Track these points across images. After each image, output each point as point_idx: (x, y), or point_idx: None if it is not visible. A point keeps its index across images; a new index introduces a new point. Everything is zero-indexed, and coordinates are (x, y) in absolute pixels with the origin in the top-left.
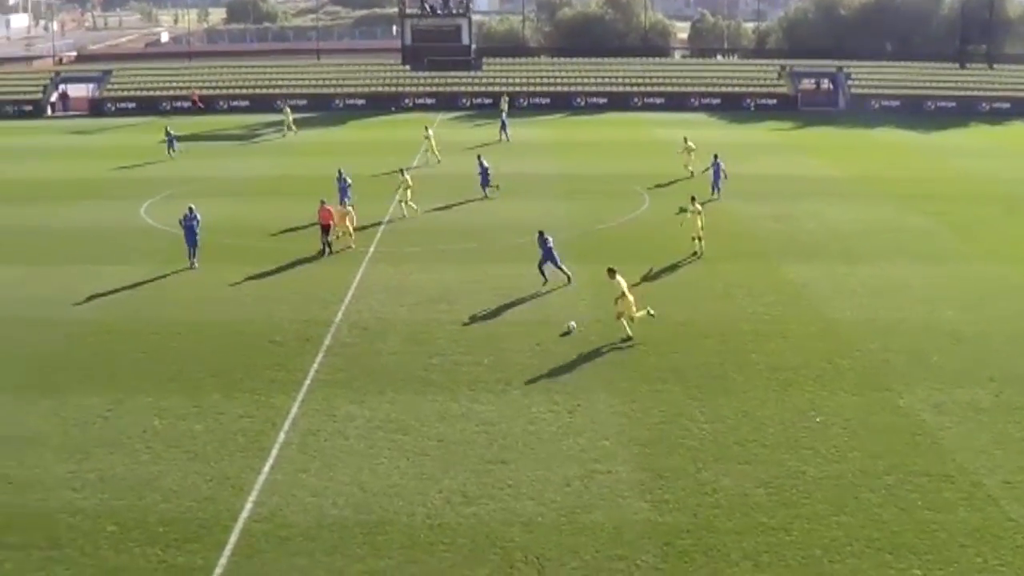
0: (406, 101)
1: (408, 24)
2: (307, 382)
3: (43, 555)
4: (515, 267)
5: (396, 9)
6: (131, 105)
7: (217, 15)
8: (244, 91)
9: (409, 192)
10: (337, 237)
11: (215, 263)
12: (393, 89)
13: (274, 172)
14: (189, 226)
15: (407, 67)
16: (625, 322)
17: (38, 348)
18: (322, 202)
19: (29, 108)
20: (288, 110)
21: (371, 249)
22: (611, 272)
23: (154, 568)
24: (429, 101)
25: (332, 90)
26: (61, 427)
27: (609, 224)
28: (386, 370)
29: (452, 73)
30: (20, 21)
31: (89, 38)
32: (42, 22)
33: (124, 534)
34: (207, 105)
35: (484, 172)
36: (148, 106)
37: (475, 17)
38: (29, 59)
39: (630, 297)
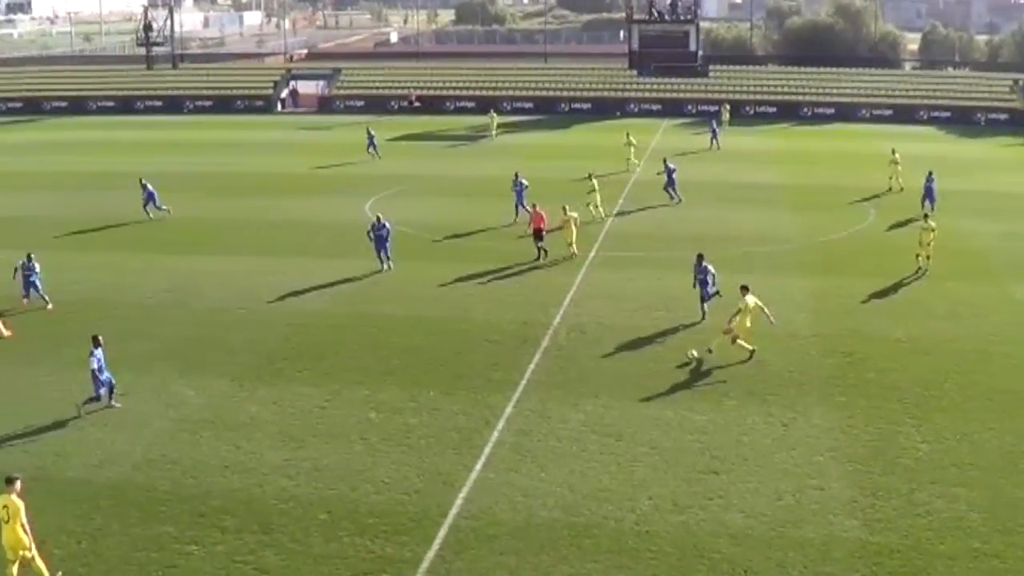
0: (632, 106)
1: (636, 29)
2: (523, 383)
3: (255, 539)
4: (739, 277)
5: (624, 14)
6: (359, 103)
7: (446, 16)
8: (470, 92)
9: (597, 196)
10: (569, 244)
11: (434, 260)
12: (619, 94)
13: (494, 173)
14: (379, 235)
15: (633, 72)
16: (741, 341)
17: (261, 337)
18: (534, 206)
19: (260, 104)
20: (494, 114)
21: (592, 253)
22: (744, 289)
23: (362, 558)
24: (655, 107)
25: (558, 94)
26: (279, 415)
27: (832, 237)
28: (602, 374)
29: (678, 79)
30: (253, 18)
31: (320, 36)
32: (274, 20)
33: (335, 523)
34: (426, 105)
35: (670, 175)
36: (376, 104)
37: (703, 24)
38: (261, 56)
39: (747, 322)
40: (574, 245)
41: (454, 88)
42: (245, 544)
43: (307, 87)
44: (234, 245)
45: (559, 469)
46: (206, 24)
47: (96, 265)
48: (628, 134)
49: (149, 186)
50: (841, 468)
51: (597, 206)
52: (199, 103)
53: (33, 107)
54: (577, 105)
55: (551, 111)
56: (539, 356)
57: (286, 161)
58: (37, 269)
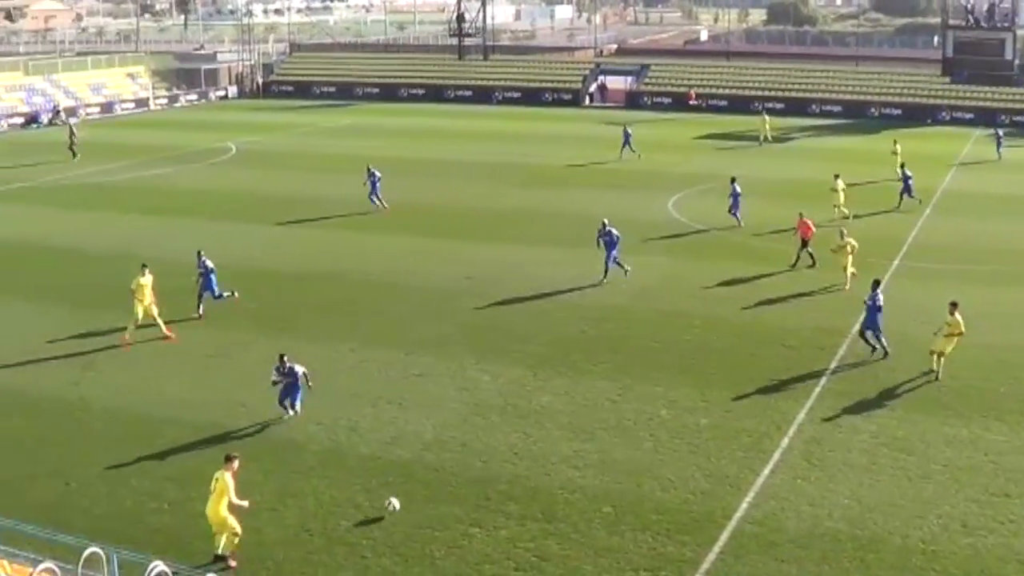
0: (943, 114)
1: (950, 35)
2: (816, 390)
3: (538, 527)
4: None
5: (939, 19)
6: (667, 100)
7: (757, 16)
8: (779, 93)
9: (842, 195)
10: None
11: (733, 260)
12: (930, 101)
13: (798, 175)
14: (606, 241)
15: (946, 79)
16: (935, 357)
17: (557, 328)
18: (800, 215)
19: (568, 97)
20: (766, 117)
21: (895, 263)
22: (953, 306)
23: (643, 554)
24: (967, 116)
25: (868, 98)
26: (571, 406)
27: None
28: (897, 387)
29: (992, 88)
30: (564, 12)
31: (630, 32)
32: (585, 14)
33: (618, 517)
34: (732, 104)
35: (906, 181)
36: (682, 102)
37: (1020, 32)
38: (571, 50)
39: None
40: (849, 271)
41: (762, 88)
42: (528, 531)
43: (615, 82)
44: (534, 235)
45: (847, 480)
46: (517, 17)
47: (399, 248)
48: (895, 141)
49: (376, 173)
50: None
51: (840, 206)
52: (508, 94)
53: (346, 92)
54: (887, 111)
55: (860, 115)
56: (835, 364)
57: (590, 155)
58: (211, 265)
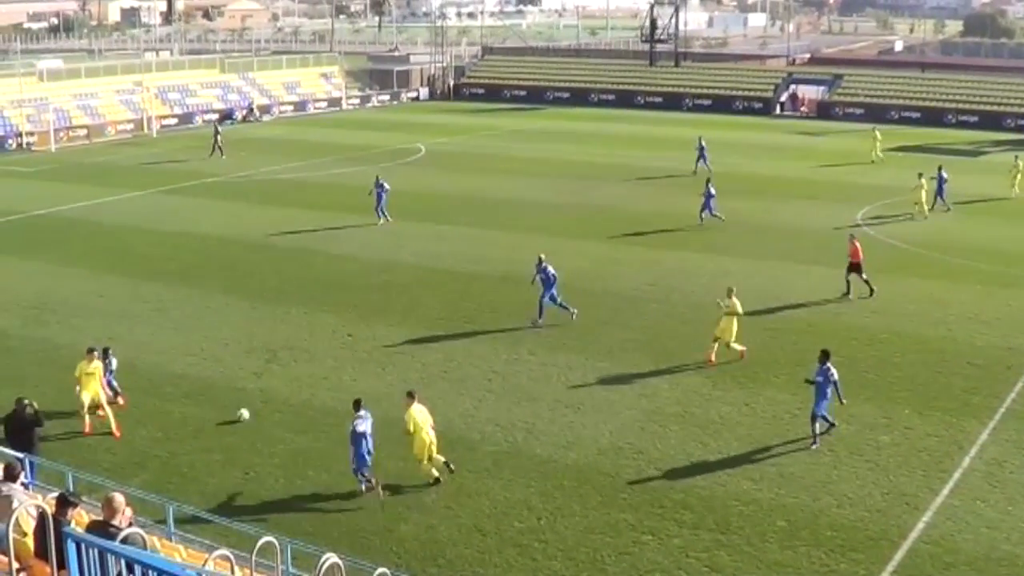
0: None
1: None
2: (1001, 410)
3: (711, 537)
4: None
5: None
6: (858, 111)
7: (954, 27)
8: (973, 106)
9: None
10: None
11: (918, 276)
12: None
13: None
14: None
15: None
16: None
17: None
18: (851, 237)
19: (759, 105)
20: (877, 134)
21: None
22: (729, 291)
23: (816, 570)
24: None
25: None
26: (750, 418)
27: None
28: None
29: None
30: (757, 20)
31: (823, 41)
32: (778, 22)
33: (792, 532)
34: (924, 116)
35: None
36: (875, 113)
37: None
38: (763, 58)
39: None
40: None
41: (956, 100)
42: (700, 540)
43: (808, 91)
44: (718, 244)
45: None
46: (710, 24)
47: (582, 253)
48: (1017, 157)
49: (385, 185)
50: None
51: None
52: (698, 101)
53: (536, 96)
54: None
55: None
56: (1021, 384)
57: (780, 164)
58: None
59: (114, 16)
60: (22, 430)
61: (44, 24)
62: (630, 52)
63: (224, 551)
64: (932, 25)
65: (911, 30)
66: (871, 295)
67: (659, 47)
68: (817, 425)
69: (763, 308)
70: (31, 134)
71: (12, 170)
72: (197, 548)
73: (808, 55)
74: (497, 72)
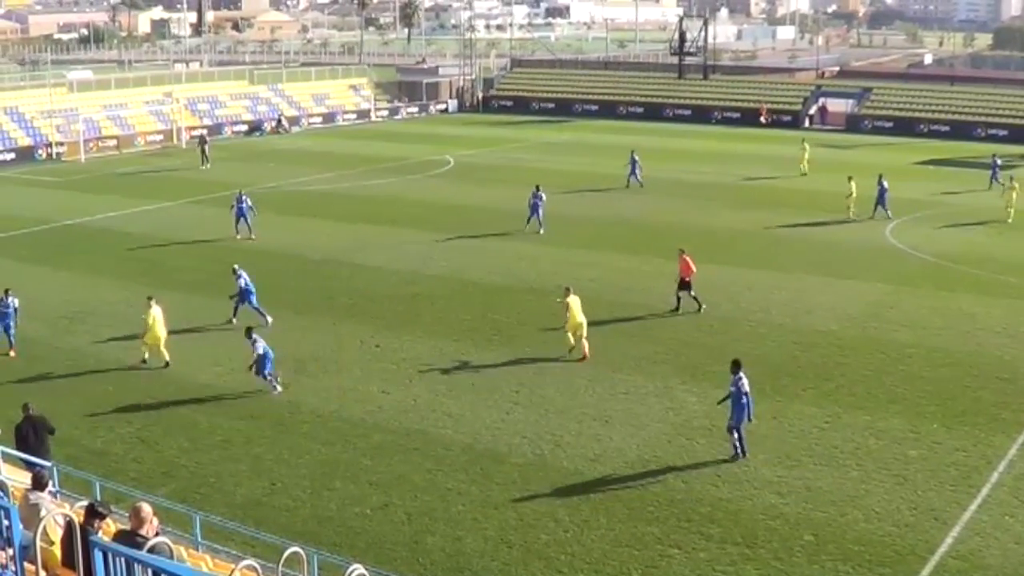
0: None
1: None
2: None
3: (737, 551)
4: None
5: None
6: (888, 124)
7: (983, 40)
8: (1003, 120)
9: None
10: None
11: (952, 290)
12: None
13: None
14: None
15: None
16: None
17: (767, 352)
18: (681, 252)
19: (787, 118)
20: (806, 146)
21: None
22: (567, 290)
23: None
24: None
25: None
26: (777, 431)
27: None
28: None
29: None
30: (786, 33)
31: (852, 54)
32: (807, 35)
33: (819, 546)
34: (953, 130)
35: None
36: (904, 126)
37: None
38: (791, 71)
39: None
40: None
41: (985, 114)
42: (727, 554)
43: (836, 104)
44: (744, 257)
45: None
46: (739, 36)
47: (610, 265)
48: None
49: (247, 200)
50: None
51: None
52: (727, 114)
53: (564, 108)
54: None
55: None
56: None
57: (808, 177)
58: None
59: (144, 28)
60: (35, 436)
61: (74, 35)
62: (659, 65)
63: (251, 561)
64: (961, 38)
65: (940, 43)
66: (698, 310)
67: (688, 60)
68: (735, 435)
69: (791, 321)
70: (61, 144)
71: (42, 180)
72: (224, 558)
73: (837, 68)
74: (525, 84)
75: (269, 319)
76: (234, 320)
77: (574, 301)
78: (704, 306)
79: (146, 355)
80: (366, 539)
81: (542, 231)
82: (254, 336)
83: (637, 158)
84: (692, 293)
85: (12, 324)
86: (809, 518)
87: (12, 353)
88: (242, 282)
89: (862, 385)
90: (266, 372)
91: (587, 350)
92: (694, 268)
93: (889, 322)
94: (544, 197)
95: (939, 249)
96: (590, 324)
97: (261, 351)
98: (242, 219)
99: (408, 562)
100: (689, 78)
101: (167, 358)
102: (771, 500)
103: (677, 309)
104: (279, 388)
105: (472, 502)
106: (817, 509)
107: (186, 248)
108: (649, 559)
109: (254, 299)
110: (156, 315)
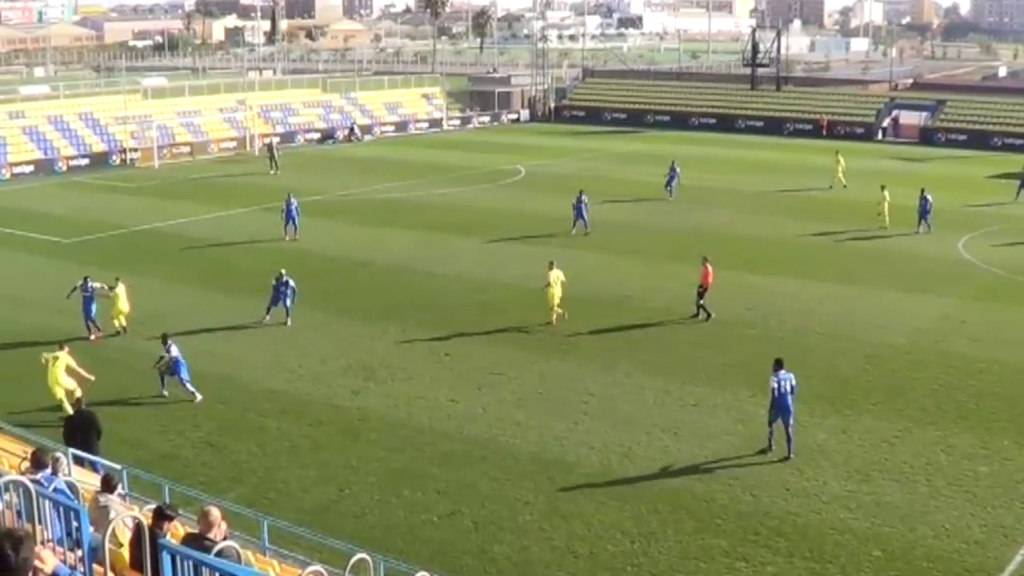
0: None
1: None
2: None
3: (804, 565)
4: None
5: None
6: (961, 137)
7: None
8: None
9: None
10: None
11: (1021, 307)
12: None
13: None
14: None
15: None
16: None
17: (838, 365)
18: (704, 259)
19: (860, 131)
20: (840, 158)
21: None
22: (551, 264)
23: None
24: None
25: None
26: (847, 445)
27: None
28: None
29: None
30: (859, 45)
31: (926, 67)
32: (881, 47)
33: (888, 562)
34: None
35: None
36: (978, 139)
37: None
38: (865, 83)
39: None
40: None
41: None
42: (794, 568)
43: (909, 117)
44: (815, 269)
45: None
46: (812, 48)
47: (679, 276)
48: None
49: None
50: None
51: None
52: (799, 126)
53: (636, 119)
54: None
55: None
56: None
57: (878, 191)
58: (292, 284)
59: (218, 35)
60: (82, 432)
61: (149, 43)
62: (731, 76)
63: (317, 567)
64: None
65: (1015, 56)
66: (707, 320)
67: (760, 71)
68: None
69: (862, 334)
70: (135, 150)
71: (115, 185)
72: (291, 563)
73: (910, 80)
74: (597, 95)
75: (268, 318)
76: (288, 321)
77: (554, 275)
78: (712, 315)
79: (123, 325)
80: (433, 547)
81: (588, 232)
82: (170, 343)
83: (678, 169)
84: (701, 301)
85: (93, 309)
86: (878, 533)
87: (92, 337)
88: (290, 287)
89: (932, 400)
90: (181, 378)
91: (554, 320)
92: (711, 278)
93: (961, 336)
94: (587, 200)
95: (1012, 263)
96: (649, 335)
97: (174, 355)
98: (291, 222)
99: (475, 571)
100: (762, 89)
101: (124, 324)
102: (840, 515)
103: (697, 315)
104: (199, 396)
105: (539, 512)
106: (886, 524)
107: (257, 254)
108: (716, 572)
109: (288, 301)
110: (120, 293)
